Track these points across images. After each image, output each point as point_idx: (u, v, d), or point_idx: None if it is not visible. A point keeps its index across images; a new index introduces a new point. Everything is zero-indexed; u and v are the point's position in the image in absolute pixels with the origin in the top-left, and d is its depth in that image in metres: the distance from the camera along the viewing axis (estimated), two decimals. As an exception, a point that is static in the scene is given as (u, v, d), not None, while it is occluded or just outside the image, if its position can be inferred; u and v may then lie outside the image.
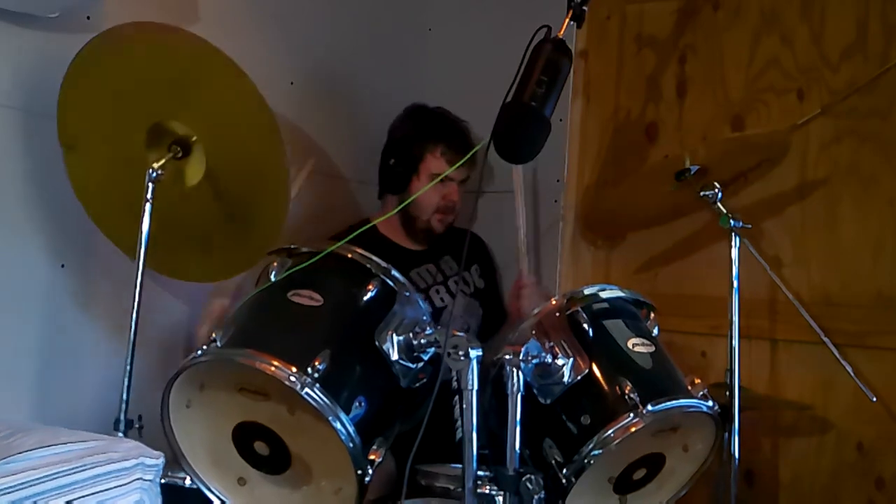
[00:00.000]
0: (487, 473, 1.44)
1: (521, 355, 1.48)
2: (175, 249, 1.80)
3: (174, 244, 1.78)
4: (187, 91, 1.69)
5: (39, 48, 1.77)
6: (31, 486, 1.19)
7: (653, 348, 1.67)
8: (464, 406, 1.39)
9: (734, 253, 1.92)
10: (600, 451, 1.51)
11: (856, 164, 2.17)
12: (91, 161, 1.71)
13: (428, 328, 1.47)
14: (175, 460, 1.48)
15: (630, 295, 1.75)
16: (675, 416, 1.60)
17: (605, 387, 1.58)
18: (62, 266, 1.86)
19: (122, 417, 1.64)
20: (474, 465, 1.39)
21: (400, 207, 2.23)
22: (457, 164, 2.14)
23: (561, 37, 1.57)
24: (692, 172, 1.93)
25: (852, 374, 2.03)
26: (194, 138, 1.70)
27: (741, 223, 1.92)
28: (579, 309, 1.64)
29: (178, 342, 2.09)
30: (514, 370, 1.46)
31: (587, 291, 1.70)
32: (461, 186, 2.32)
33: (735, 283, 1.91)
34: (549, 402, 1.58)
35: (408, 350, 1.47)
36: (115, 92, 1.68)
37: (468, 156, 2.08)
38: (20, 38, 1.74)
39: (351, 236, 1.57)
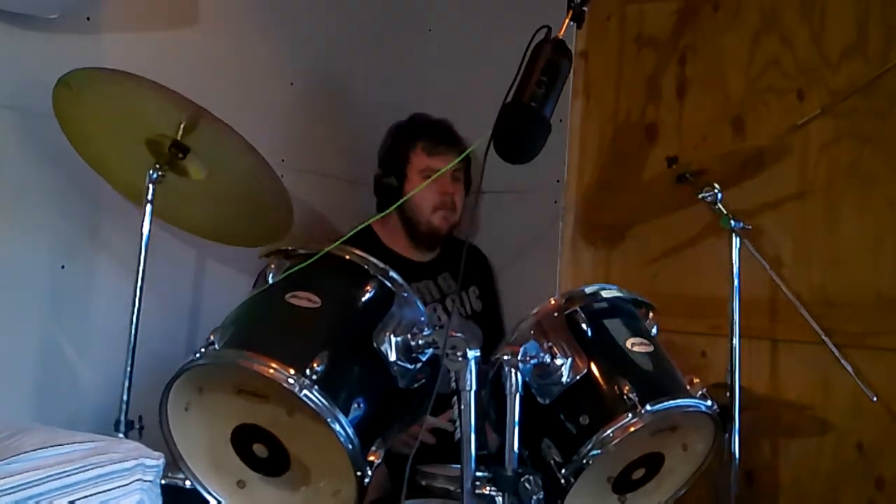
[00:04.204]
0: (486, 474, 1.44)
1: (520, 355, 1.47)
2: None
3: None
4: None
5: (39, 48, 1.78)
6: (32, 486, 1.20)
7: (651, 348, 1.66)
8: (462, 407, 1.39)
9: (734, 253, 1.92)
10: (599, 451, 1.51)
11: (856, 164, 2.17)
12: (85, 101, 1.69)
13: (426, 329, 1.47)
14: (175, 462, 1.48)
15: (629, 295, 1.74)
16: (674, 415, 1.60)
17: (604, 387, 1.58)
18: (62, 267, 1.86)
19: (122, 418, 1.65)
20: (472, 465, 1.39)
21: (395, 206, 2.19)
22: (450, 165, 2.16)
23: (561, 37, 1.57)
24: (692, 174, 1.94)
25: (852, 374, 2.02)
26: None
27: (741, 224, 1.91)
28: (578, 309, 1.63)
29: (179, 344, 2.10)
30: (513, 370, 1.46)
31: (586, 291, 1.69)
32: (456, 181, 2.31)
33: (735, 284, 1.91)
34: (547, 402, 1.57)
35: (406, 351, 1.47)
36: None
37: (462, 156, 2.08)
38: (20, 38, 1.75)
39: (347, 236, 1.56)
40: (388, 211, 2.11)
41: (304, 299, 1.49)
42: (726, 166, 1.99)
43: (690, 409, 1.59)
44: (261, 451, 1.48)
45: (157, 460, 1.35)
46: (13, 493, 1.18)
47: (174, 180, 1.73)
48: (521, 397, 1.46)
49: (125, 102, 1.66)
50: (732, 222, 1.91)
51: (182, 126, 1.66)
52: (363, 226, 1.62)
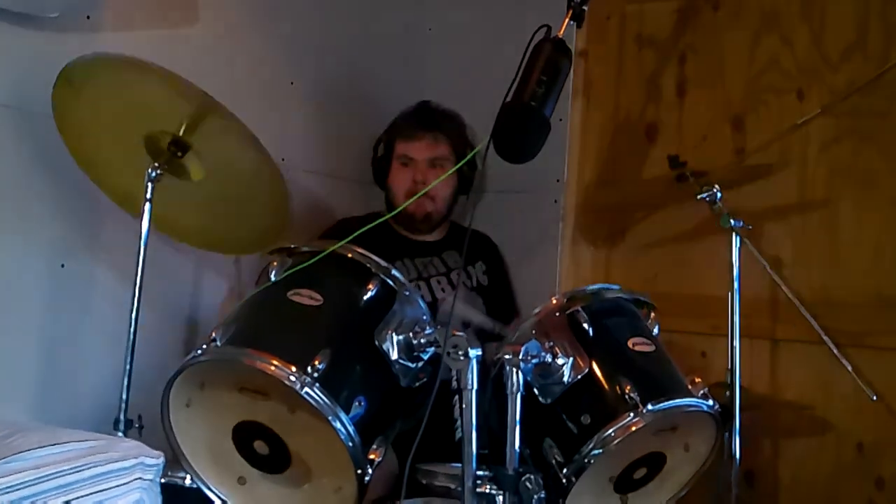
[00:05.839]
0: (487, 473, 1.44)
1: (521, 355, 1.47)
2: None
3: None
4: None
5: (39, 48, 1.77)
6: (31, 485, 1.19)
7: (653, 348, 1.66)
8: (463, 406, 1.39)
9: (734, 253, 1.91)
10: (600, 450, 1.51)
11: (856, 164, 2.17)
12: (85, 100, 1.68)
13: (427, 328, 1.47)
14: (175, 460, 1.48)
15: (630, 294, 1.74)
16: (676, 415, 1.60)
17: (606, 386, 1.58)
18: (62, 266, 1.86)
19: (121, 417, 1.65)
20: (474, 464, 1.39)
21: (400, 209, 2.17)
22: (449, 172, 2.18)
23: (561, 37, 1.57)
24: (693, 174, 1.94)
25: (852, 373, 2.02)
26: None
27: (741, 223, 1.91)
28: (580, 308, 1.63)
29: (178, 343, 2.10)
30: (514, 370, 1.45)
31: (588, 291, 1.70)
32: (435, 167, 2.30)
33: (735, 283, 1.91)
34: (549, 401, 1.57)
35: (407, 349, 1.47)
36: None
37: (465, 160, 2.08)
38: (20, 38, 1.75)
39: (365, 228, 1.55)
40: (391, 214, 2.09)
41: (307, 297, 1.50)
42: (728, 170, 1.99)
43: (692, 408, 1.59)
44: (262, 449, 1.48)
45: (156, 459, 1.35)
46: (11, 492, 1.17)
47: (169, 187, 1.71)
48: (522, 397, 1.46)
49: (129, 93, 1.65)
50: (732, 221, 1.91)
51: (186, 120, 1.65)
52: (366, 229, 1.61)
